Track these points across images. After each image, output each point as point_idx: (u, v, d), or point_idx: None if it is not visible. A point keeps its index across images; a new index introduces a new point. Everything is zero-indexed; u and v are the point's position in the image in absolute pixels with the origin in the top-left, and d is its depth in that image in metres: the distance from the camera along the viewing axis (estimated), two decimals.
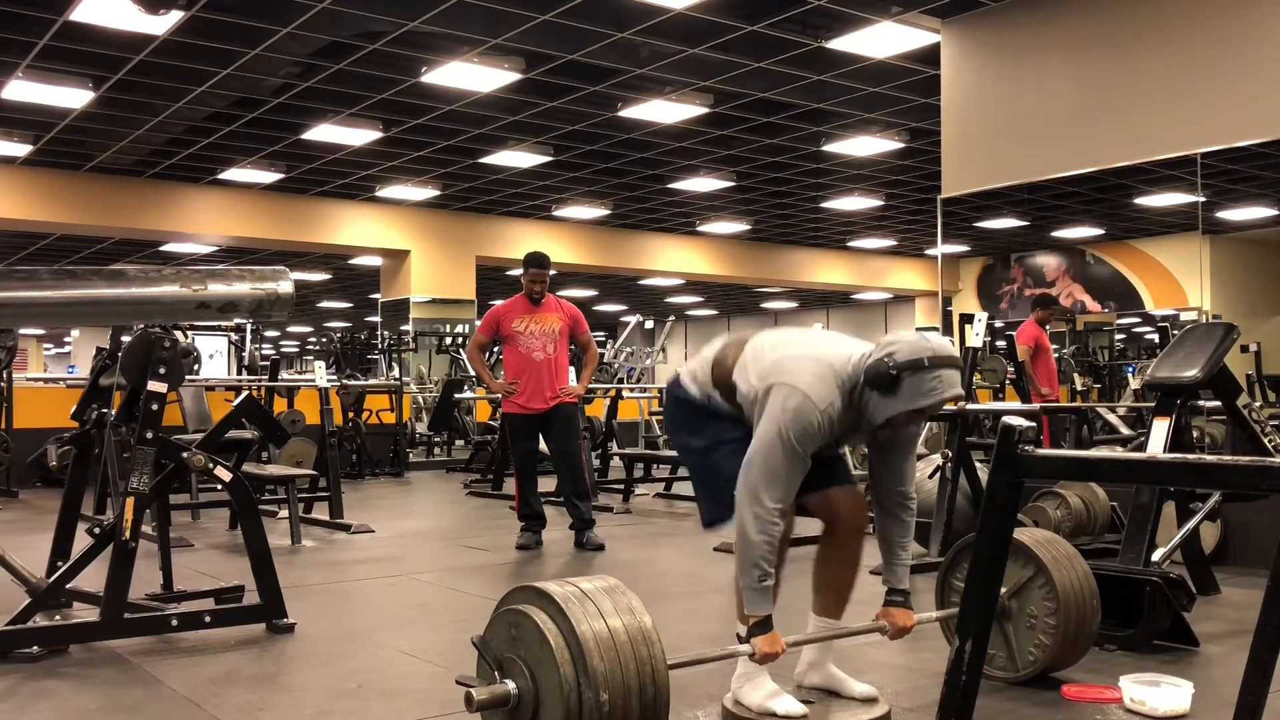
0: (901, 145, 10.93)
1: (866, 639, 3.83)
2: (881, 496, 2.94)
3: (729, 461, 2.76)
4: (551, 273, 6.15)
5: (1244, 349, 7.89)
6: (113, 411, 4.30)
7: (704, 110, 9.72)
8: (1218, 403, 4.58)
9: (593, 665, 2.15)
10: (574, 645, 2.17)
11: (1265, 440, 4.36)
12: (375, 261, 15.78)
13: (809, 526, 3.12)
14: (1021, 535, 3.15)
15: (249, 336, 12.27)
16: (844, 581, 3.01)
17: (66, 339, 30.65)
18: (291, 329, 31.94)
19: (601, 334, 24.96)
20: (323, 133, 10.54)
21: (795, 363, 2.72)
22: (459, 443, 13.38)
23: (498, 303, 6.42)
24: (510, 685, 2.24)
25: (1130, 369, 9.95)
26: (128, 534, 3.62)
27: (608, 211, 14.84)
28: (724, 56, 8.24)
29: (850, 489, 2.99)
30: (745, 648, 2.69)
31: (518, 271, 6.18)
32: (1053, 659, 3.08)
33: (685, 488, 8.73)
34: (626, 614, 2.26)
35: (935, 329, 16.53)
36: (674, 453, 8.80)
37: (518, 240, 14.73)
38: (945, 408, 2.79)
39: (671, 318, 18.65)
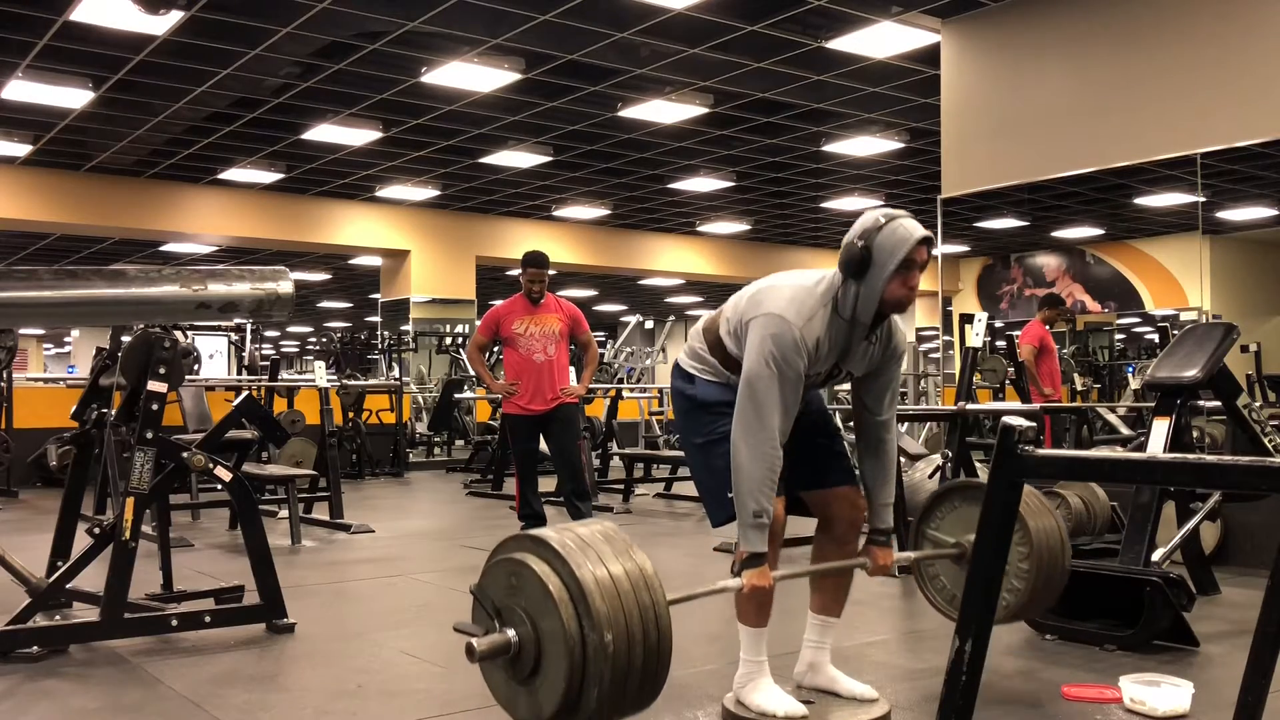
0: (901, 145, 10.94)
1: (868, 640, 3.83)
2: (865, 435, 2.96)
3: (726, 460, 2.76)
4: (551, 273, 6.14)
5: (1244, 349, 7.90)
6: (113, 411, 4.30)
7: (704, 110, 9.72)
8: (1218, 403, 4.58)
9: (595, 608, 2.13)
10: (575, 590, 2.16)
11: (1265, 440, 4.35)
12: (375, 261, 15.79)
13: (803, 527, 3.13)
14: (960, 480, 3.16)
15: (249, 336, 12.28)
16: (844, 579, 3.01)
17: (66, 339, 30.65)
18: (291, 329, 31.94)
19: (601, 334, 24.97)
20: (323, 133, 10.54)
21: (768, 294, 2.76)
22: (459, 443, 13.38)
23: (497, 303, 6.42)
24: (511, 633, 2.23)
25: (1130, 369, 9.95)
26: (128, 534, 3.62)
27: (608, 211, 14.84)
28: (724, 56, 8.24)
29: (848, 489, 2.99)
30: (736, 581, 2.68)
31: (518, 271, 6.18)
32: (1025, 603, 3.05)
33: (685, 488, 8.73)
34: (625, 558, 2.25)
35: (935, 330, 16.53)
36: (673, 453, 8.82)
37: (518, 240, 14.73)
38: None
39: (671, 318, 18.64)
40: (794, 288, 2.75)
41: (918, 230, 2.67)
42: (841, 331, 2.74)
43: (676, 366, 3.02)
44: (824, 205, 14.28)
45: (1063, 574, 3.12)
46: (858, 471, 3.03)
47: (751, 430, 2.65)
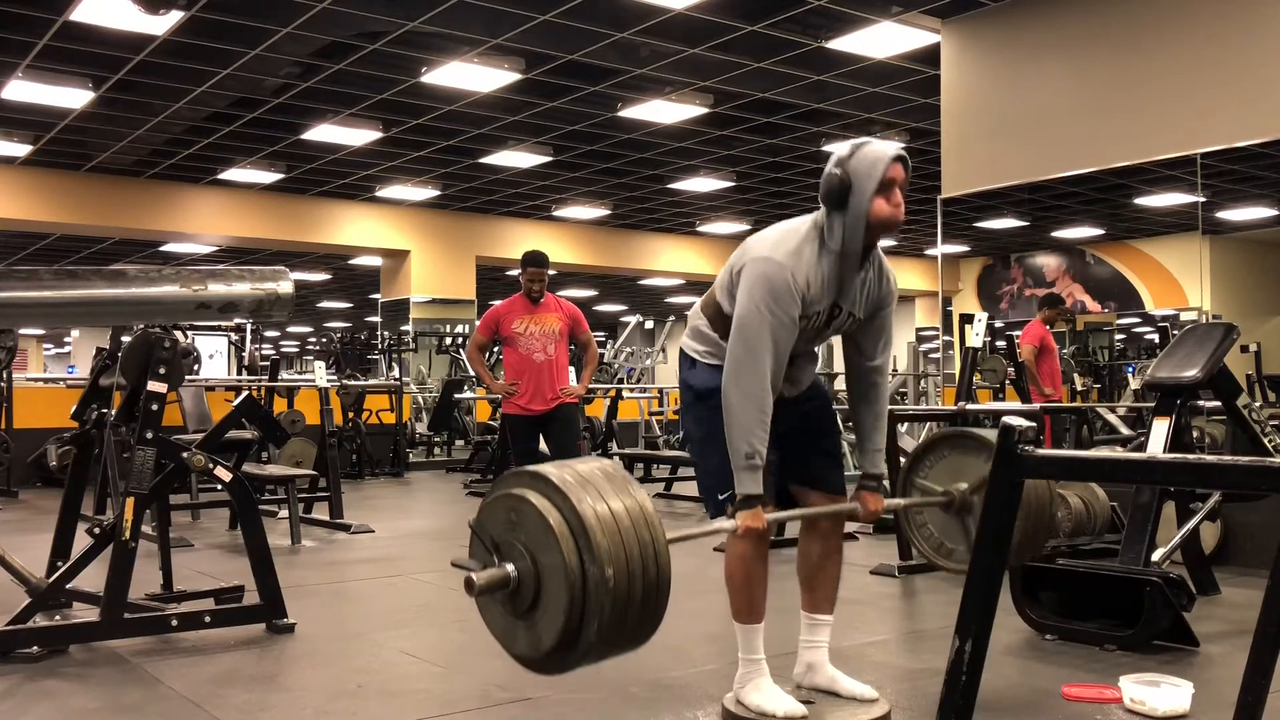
0: (901, 145, 10.93)
1: (868, 640, 3.83)
2: (858, 381, 2.97)
3: (720, 455, 2.76)
4: (551, 273, 6.14)
5: (1244, 349, 7.89)
6: (113, 411, 4.30)
7: (704, 110, 9.72)
8: (1218, 403, 4.58)
9: (596, 542, 2.13)
10: (575, 524, 2.16)
11: (1265, 440, 4.35)
12: (375, 261, 15.79)
13: (791, 529, 3.13)
14: (983, 433, 3.17)
15: (249, 337, 12.27)
16: (830, 575, 3.01)
17: (66, 339, 30.65)
18: (291, 329, 31.94)
19: (601, 334, 24.97)
20: (323, 133, 10.54)
21: (755, 241, 2.80)
22: (459, 443, 13.38)
23: (497, 303, 6.41)
24: (510, 568, 2.23)
25: (1130, 369, 9.95)
26: (128, 534, 3.62)
27: (608, 211, 14.84)
28: (724, 56, 8.24)
29: (839, 498, 2.99)
30: (730, 523, 2.68)
31: (517, 271, 6.18)
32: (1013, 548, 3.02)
33: (685, 488, 8.73)
34: (625, 495, 2.25)
35: (935, 330, 16.54)
36: (673, 453, 8.82)
37: (518, 240, 14.73)
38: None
39: (671, 318, 18.62)
40: (780, 230, 2.79)
41: (891, 147, 2.70)
42: (833, 266, 2.74)
43: (681, 352, 3.03)
44: None
45: (1049, 525, 3.10)
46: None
47: (742, 373, 2.66)
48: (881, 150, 2.68)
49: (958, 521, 3.04)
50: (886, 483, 3.09)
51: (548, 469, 2.28)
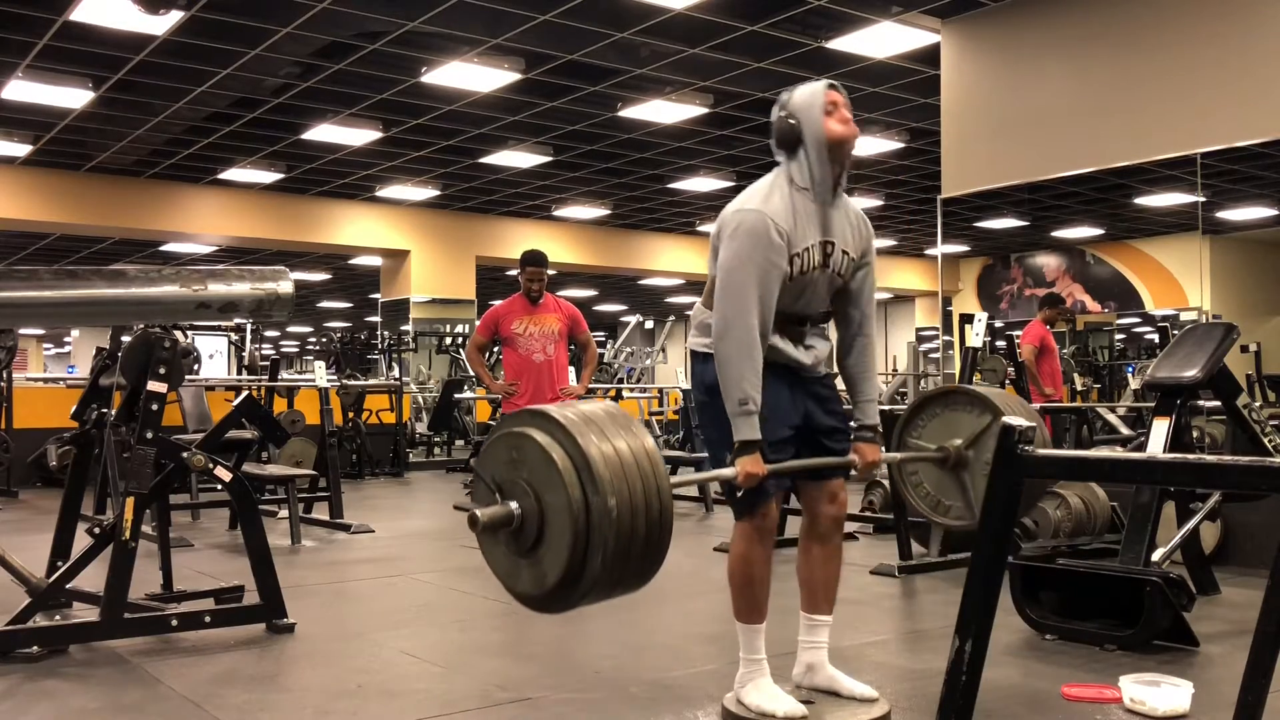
0: (901, 145, 10.94)
1: (868, 640, 3.83)
2: (845, 337, 3.03)
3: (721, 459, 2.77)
4: (551, 273, 6.14)
5: (1244, 349, 7.89)
6: (113, 411, 4.30)
7: (704, 110, 9.72)
8: (1218, 403, 4.58)
9: (599, 474, 2.14)
10: (579, 460, 2.16)
11: (1265, 440, 4.35)
12: (375, 261, 15.79)
13: (790, 528, 3.12)
14: (974, 389, 3.17)
15: (249, 336, 12.27)
16: (830, 576, 3.01)
17: (66, 339, 30.66)
18: (291, 329, 31.95)
19: (601, 334, 24.98)
20: (323, 133, 10.55)
21: (726, 208, 2.85)
22: (459, 443, 13.38)
23: (497, 303, 6.41)
24: (513, 505, 2.23)
25: (1130, 369, 9.95)
26: (128, 534, 3.62)
27: (608, 211, 14.84)
28: (724, 56, 8.24)
29: (834, 483, 2.98)
30: (730, 471, 2.69)
31: (517, 271, 6.18)
32: None
33: (685, 488, 8.71)
34: (629, 434, 2.26)
35: (935, 330, 16.53)
36: (673, 453, 8.82)
37: (518, 240, 14.73)
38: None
39: (671, 318, 18.63)
40: (747, 190, 2.86)
41: (820, 82, 2.85)
42: (807, 202, 2.80)
43: (689, 351, 3.03)
44: None
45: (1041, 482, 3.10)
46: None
47: (729, 323, 2.70)
48: (814, 84, 2.84)
49: (953, 477, 3.05)
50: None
51: (550, 409, 2.29)
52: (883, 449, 3.02)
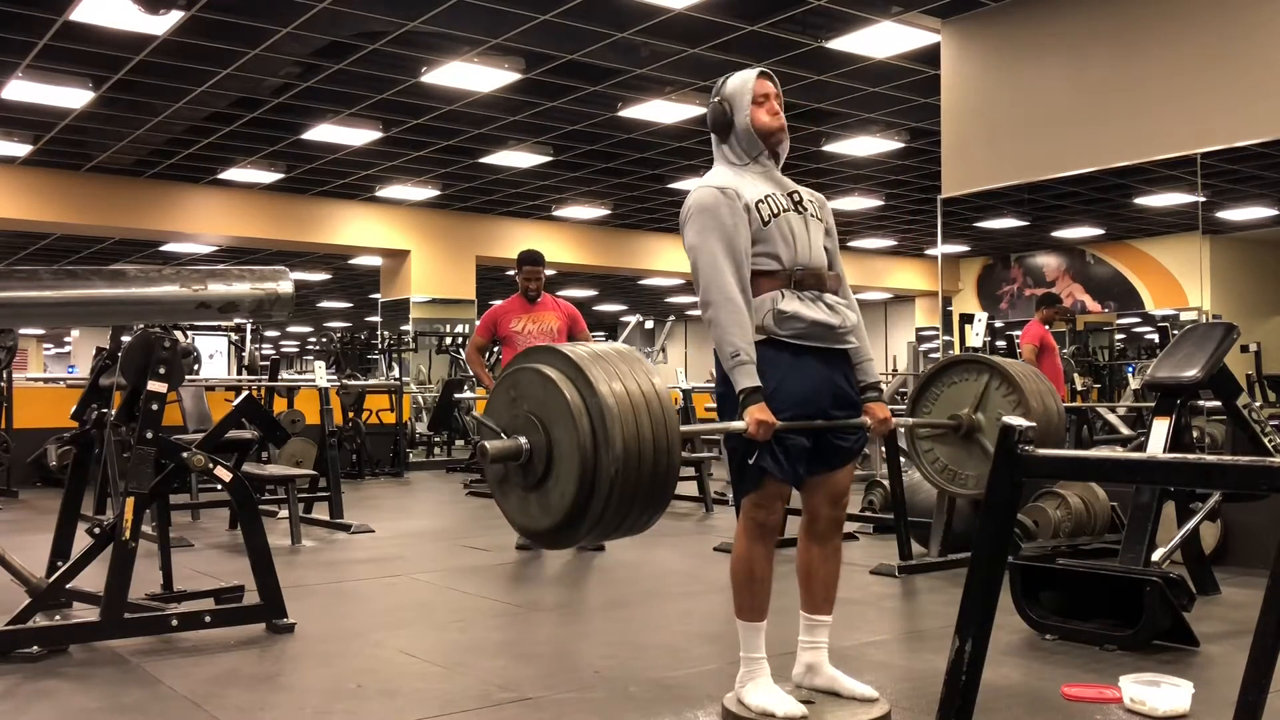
0: (901, 145, 10.94)
1: (868, 640, 3.83)
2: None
3: (745, 447, 2.78)
4: (550, 273, 6.14)
5: (1244, 349, 7.89)
6: (113, 411, 4.30)
7: (704, 110, 9.69)
8: (1218, 403, 4.58)
9: (609, 412, 2.14)
10: (589, 396, 2.16)
11: (1265, 440, 4.35)
12: (375, 261, 15.79)
13: (790, 528, 3.12)
14: (975, 355, 3.19)
15: (249, 336, 12.27)
16: (829, 576, 3.00)
17: (66, 339, 30.66)
18: (291, 329, 31.95)
19: (601, 334, 24.98)
20: (323, 133, 10.55)
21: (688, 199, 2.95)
22: (459, 443, 13.38)
23: (497, 303, 6.41)
24: (522, 439, 2.25)
25: (1130, 369, 9.95)
26: (128, 534, 3.62)
27: (608, 211, 14.84)
28: (724, 56, 8.24)
29: (840, 482, 2.97)
30: (740, 423, 2.69)
31: (514, 271, 6.19)
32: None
33: (685, 488, 8.73)
34: (638, 376, 2.27)
35: (935, 330, 16.53)
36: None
37: (518, 240, 14.72)
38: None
39: (671, 318, 18.63)
40: (709, 175, 2.98)
41: (753, 69, 2.99)
42: (752, 175, 2.93)
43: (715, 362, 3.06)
44: None
45: (1059, 423, 3.09)
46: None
47: (708, 289, 2.78)
48: (745, 72, 2.98)
49: (966, 445, 3.05)
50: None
51: (561, 346, 2.33)
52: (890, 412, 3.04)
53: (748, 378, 2.73)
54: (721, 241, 2.79)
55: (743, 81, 2.95)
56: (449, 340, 14.90)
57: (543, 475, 2.22)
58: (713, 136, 3.01)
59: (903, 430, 3.16)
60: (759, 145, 2.93)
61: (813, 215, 2.96)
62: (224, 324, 12.15)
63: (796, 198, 2.95)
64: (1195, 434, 5.47)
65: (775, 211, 2.87)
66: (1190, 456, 3.03)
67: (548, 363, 2.25)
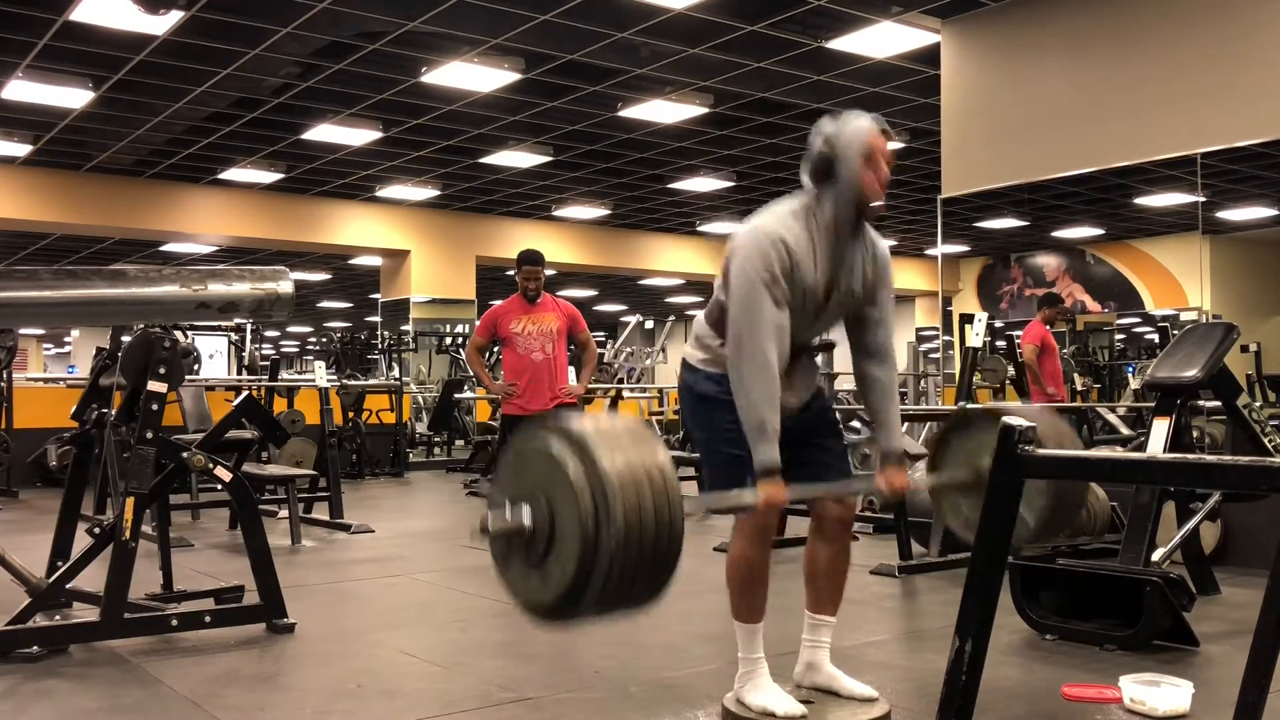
0: (901, 145, 10.93)
1: (868, 640, 3.83)
2: (867, 372, 2.94)
3: (721, 456, 2.78)
4: (550, 273, 6.14)
5: (1244, 349, 7.90)
6: (113, 411, 4.30)
7: (704, 110, 9.72)
8: (1218, 403, 4.58)
9: (611, 490, 2.13)
10: (592, 474, 2.16)
11: (1265, 440, 4.35)
12: (375, 261, 15.79)
13: (798, 529, 3.13)
14: (979, 406, 3.15)
15: (249, 336, 12.27)
16: (837, 577, 3.00)
17: (66, 339, 30.65)
18: (291, 329, 31.94)
19: (601, 334, 24.97)
20: (323, 133, 10.55)
21: (742, 226, 2.83)
22: (459, 443, 13.38)
23: (497, 303, 6.41)
24: (525, 519, 2.25)
25: (1130, 369, 9.95)
26: (128, 534, 3.62)
27: (608, 211, 14.84)
28: (724, 56, 8.24)
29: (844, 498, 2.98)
30: (752, 497, 2.64)
31: (514, 271, 6.19)
32: (1046, 520, 2.72)
33: (685, 488, 8.72)
34: (646, 452, 2.26)
35: (935, 330, 16.53)
36: (673, 453, 8.82)
37: (518, 240, 14.72)
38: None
39: (671, 318, 18.64)
40: (767, 213, 2.82)
41: (865, 116, 2.78)
42: (824, 239, 2.77)
43: (684, 361, 3.02)
44: None
45: (1073, 514, 3.03)
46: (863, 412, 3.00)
47: (745, 352, 2.67)
48: (860, 115, 2.78)
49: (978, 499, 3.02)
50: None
51: (571, 419, 2.29)
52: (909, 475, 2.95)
53: (770, 455, 2.65)
54: (767, 296, 2.66)
55: (855, 133, 2.73)
56: (449, 340, 14.90)
57: (544, 552, 2.24)
58: (805, 178, 2.82)
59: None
60: (851, 211, 2.75)
61: (836, 308, 2.82)
62: (224, 324, 12.15)
63: (834, 287, 2.78)
64: (1195, 434, 5.47)
65: (805, 306, 2.74)
66: (1190, 456, 3.03)
67: (555, 437, 2.25)
